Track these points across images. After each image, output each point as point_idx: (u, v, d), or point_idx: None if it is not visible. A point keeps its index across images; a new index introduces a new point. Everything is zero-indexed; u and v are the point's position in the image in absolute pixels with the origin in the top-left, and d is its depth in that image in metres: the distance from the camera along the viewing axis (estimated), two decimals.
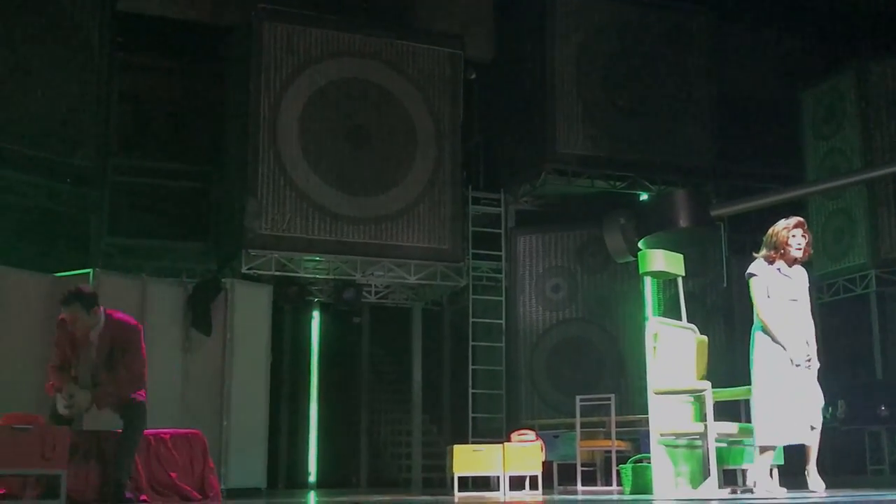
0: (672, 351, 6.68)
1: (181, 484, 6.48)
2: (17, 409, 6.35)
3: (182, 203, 13.51)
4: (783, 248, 6.18)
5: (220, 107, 13.43)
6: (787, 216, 6.36)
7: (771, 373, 6.07)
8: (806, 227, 6.28)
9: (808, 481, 6.11)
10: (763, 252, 6.26)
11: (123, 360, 6.21)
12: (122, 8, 12.57)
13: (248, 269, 11.49)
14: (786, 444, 6.19)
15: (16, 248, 10.80)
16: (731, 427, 6.44)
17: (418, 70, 12.55)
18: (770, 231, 6.28)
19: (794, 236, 6.18)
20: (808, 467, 6.11)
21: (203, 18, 13.26)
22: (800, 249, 6.19)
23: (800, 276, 6.26)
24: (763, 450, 6.13)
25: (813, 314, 6.39)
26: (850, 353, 13.13)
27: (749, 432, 6.35)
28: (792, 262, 6.22)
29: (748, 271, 6.25)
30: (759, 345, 6.15)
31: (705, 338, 7.20)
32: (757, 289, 6.16)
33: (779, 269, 6.19)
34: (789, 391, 6.02)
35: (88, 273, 9.03)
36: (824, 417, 6.31)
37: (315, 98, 12.01)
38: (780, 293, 6.15)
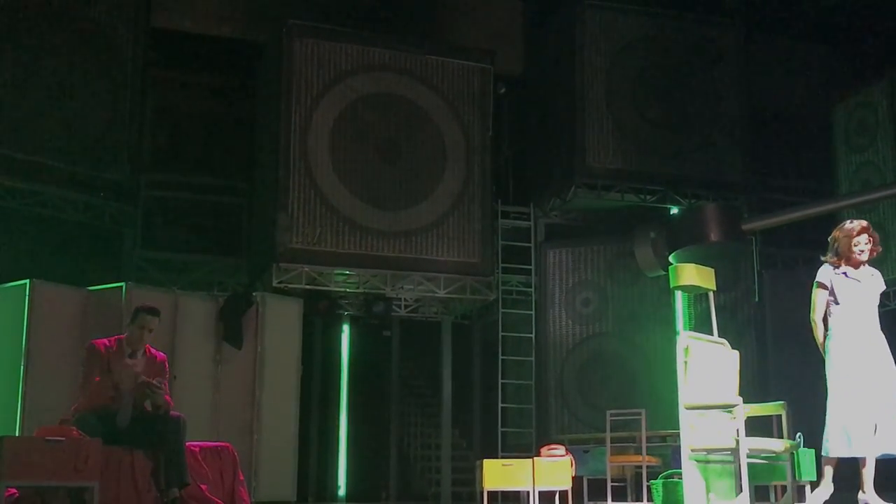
0: (703, 366, 6.63)
1: (211, 496, 6.50)
2: (51, 421, 6.40)
3: (214, 217, 13.63)
4: (847, 255, 6.15)
5: (253, 122, 13.56)
6: (847, 221, 6.32)
7: (836, 383, 6.02)
8: (871, 230, 6.23)
9: None
10: (829, 256, 6.22)
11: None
12: (156, 24, 12.76)
13: (279, 282, 11.56)
14: (841, 455, 6.01)
15: (50, 261, 10.93)
16: (763, 443, 6.38)
17: (448, 84, 12.59)
18: (834, 234, 6.25)
19: (856, 244, 6.13)
20: (864, 488, 5.84)
21: (235, 35, 13.44)
22: (863, 253, 6.14)
23: (870, 277, 6.19)
24: (826, 462, 6.03)
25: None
26: None
27: (780, 449, 6.28)
28: (858, 265, 6.17)
29: (816, 279, 6.22)
30: (828, 354, 6.13)
31: (737, 352, 7.14)
32: (818, 298, 6.15)
33: (845, 273, 6.15)
34: (854, 402, 5.93)
35: (121, 287, 9.10)
36: None
37: (345, 113, 12.09)
38: (849, 297, 6.10)
